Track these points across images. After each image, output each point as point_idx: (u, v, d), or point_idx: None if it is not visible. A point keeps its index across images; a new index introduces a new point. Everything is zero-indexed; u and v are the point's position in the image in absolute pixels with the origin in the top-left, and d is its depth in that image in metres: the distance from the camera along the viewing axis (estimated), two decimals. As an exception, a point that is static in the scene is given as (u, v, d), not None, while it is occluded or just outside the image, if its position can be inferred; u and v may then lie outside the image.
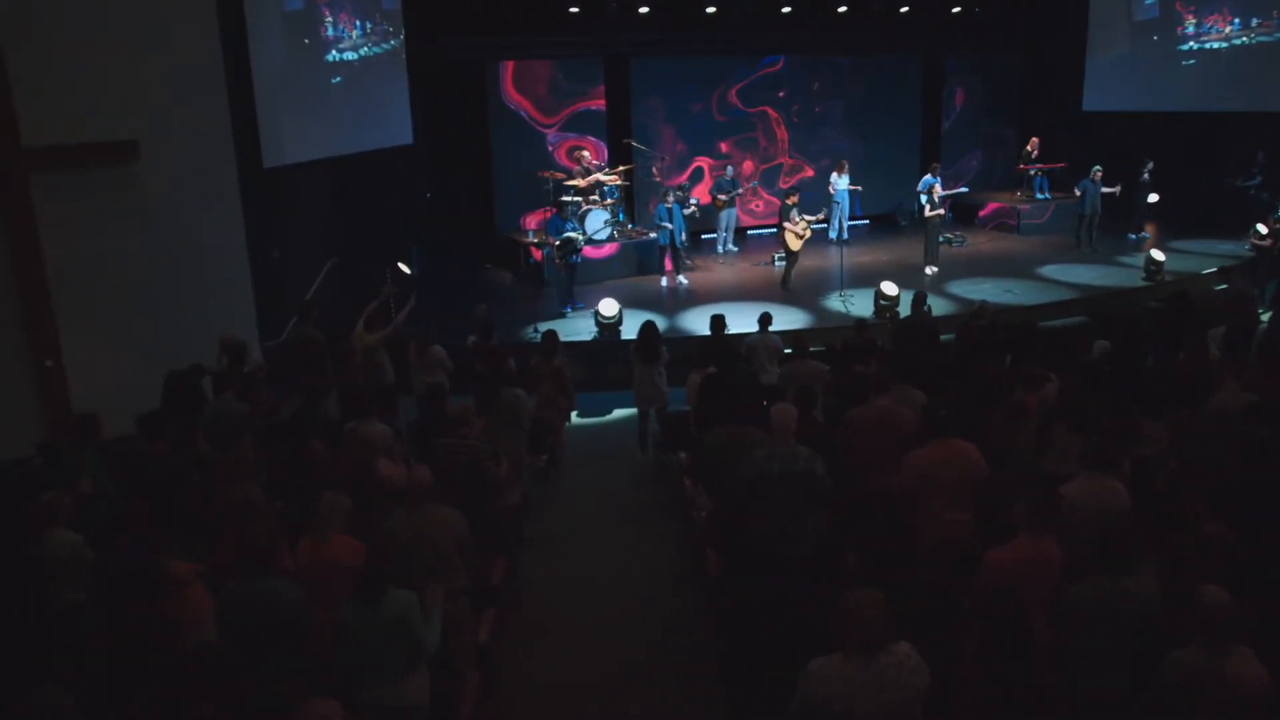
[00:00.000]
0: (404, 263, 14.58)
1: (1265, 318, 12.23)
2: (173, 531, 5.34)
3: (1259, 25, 17.44)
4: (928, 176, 15.46)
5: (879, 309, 12.74)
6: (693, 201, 15.89)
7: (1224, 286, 11.62)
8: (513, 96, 17.68)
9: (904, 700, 3.63)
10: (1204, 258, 15.74)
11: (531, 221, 17.12)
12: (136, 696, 4.47)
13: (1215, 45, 18.25)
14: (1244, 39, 17.75)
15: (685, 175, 18.51)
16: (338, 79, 13.98)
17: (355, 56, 14.43)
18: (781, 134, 19.75)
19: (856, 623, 3.62)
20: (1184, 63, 18.83)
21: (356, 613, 4.32)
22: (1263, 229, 14.98)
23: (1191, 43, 18.66)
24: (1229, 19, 17.90)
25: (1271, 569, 4.47)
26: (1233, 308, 10.62)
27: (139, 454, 6.57)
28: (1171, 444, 6.38)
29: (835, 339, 10.04)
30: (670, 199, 14.69)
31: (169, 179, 9.90)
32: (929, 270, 15.21)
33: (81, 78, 9.09)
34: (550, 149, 17.95)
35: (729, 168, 16.85)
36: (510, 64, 17.51)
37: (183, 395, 7.93)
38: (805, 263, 15.77)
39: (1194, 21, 18.57)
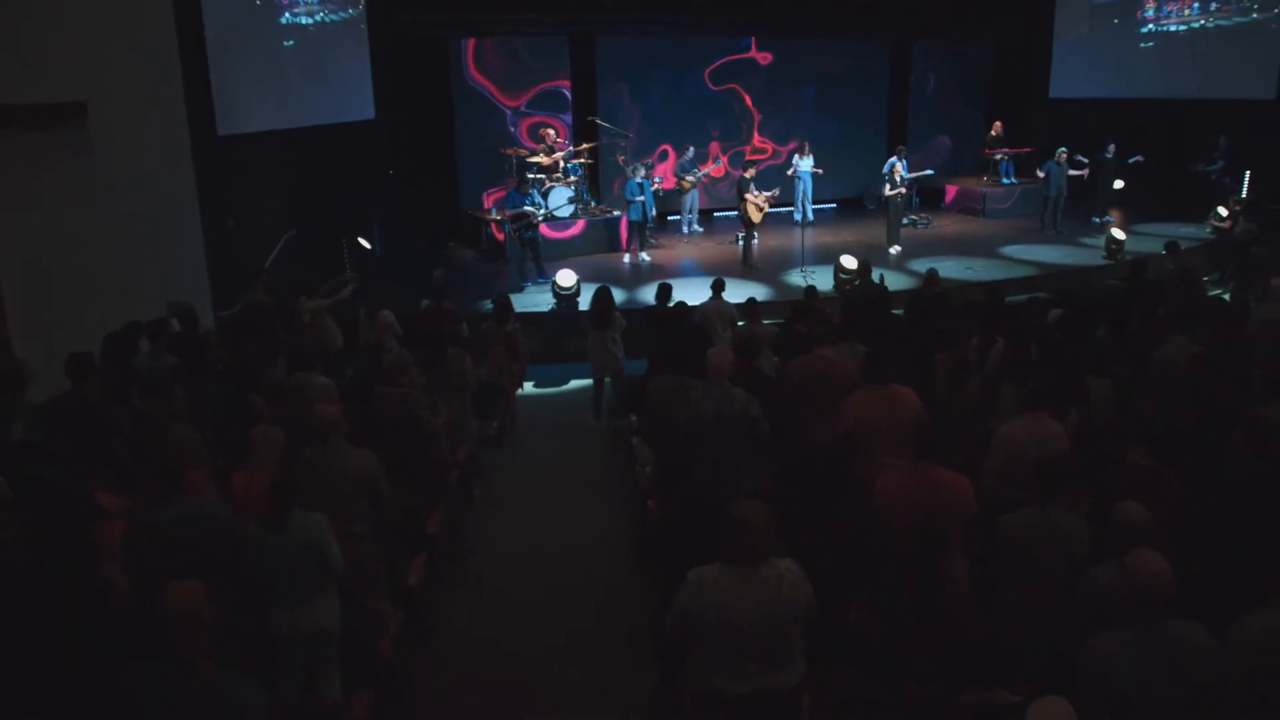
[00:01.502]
0: (365, 238, 14.51)
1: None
2: (101, 469, 5.23)
3: (1218, 9, 17.58)
4: (892, 159, 15.47)
5: (839, 282, 12.71)
6: (656, 179, 15.83)
7: (1170, 264, 11.64)
8: (475, 76, 17.55)
9: (783, 613, 3.57)
10: (1165, 240, 15.75)
11: (493, 200, 17.01)
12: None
13: (1175, 29, 18.37)
14: (1203, 23, 17.87)
15: (654, 157, 18.43)
16: (290, 42, 13.77)
17: (310, 21, 14.22)
18: (750, 117, 19.69)
19: (740, 532, 3.55)
20: (1143, 45, 18.96)
21: (264, 534, 4.22)
22: (1223, 211, 15.12)
23: (1151, 25, 18.79)
24: (1188, 2, 18.02)
25: (1201, 500, 4.45)
26: (1181, 282, 10.69)
27: (70, 400, 6.44)
28: (1116, 396, 6.35)
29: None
30: (641, 174, 14.61)
31: (119, 142, 9.72)
32: (892, 250, 15.20)
33: (27, 37, 8.88)
34: (514, 127, 17.83)
35: (691, 149, 16.76)
36: (472, 42, 17.36)
37: (119, 352, 7.79)
38: (770, 242, 15.78)
39: (1154, 5, 18.69)
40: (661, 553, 4.67)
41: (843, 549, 4.74)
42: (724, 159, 18.76)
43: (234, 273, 11.79)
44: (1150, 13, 18.82)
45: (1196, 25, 18.01)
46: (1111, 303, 9.19)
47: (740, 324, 9.32)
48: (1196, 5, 17.91)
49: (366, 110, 15.69)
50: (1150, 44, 18.93)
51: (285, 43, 13.70)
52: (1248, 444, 4.90)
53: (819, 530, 4.81)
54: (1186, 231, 16.09)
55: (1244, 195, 16.32)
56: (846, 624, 4.47)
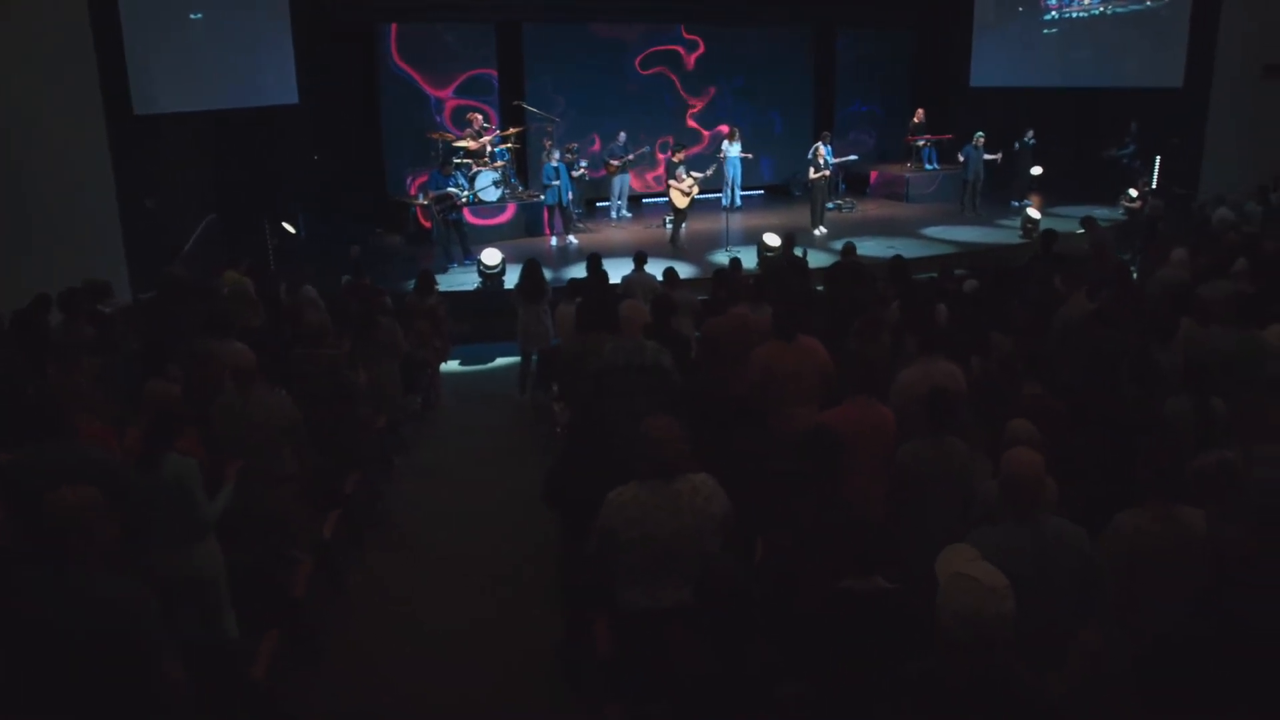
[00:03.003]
0: (289, 223, 14.39)
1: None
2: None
3: None
4: (817, 143, 15.74)
5: (762, 260, 12.89)
6: (581, 164, 15.88)
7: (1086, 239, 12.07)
8: (399, 63, 17.46)
9: (699, 525, 3.67)
10: (1078, 221, 16.25)
11: (417, 185, 16.96)
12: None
13: (1077, 15, 18.99)
14: (1102, 10, 18.49)
15: (583, 143, 18.48)
16: (206, 21, 13.59)
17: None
18: (679, 103, 19.84)
19: (652, 447, 3.64)
20: (1046, 32, 19.58)
21: (138, 475, 4.20)
22: (1134, 193, 15.66)
23: (1055, 13, 19.42)
24: None
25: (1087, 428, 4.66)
26: (1096, 253, 11.10)
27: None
28: (1017, 346, 6.58)
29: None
30: (556, 158, 14.66)
31: (31, 120, 9.55)
32: (817, 232, 15.45)
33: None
34: (441, 113, 17.77)
35: (621, 134, 16.85)
36: (395, 27, 17.27)
37: (27, 327, 7.66)
38: (697, 226, 15.91)
39: None
40: (564, 488, 4.72)
41: (755, 490, 4.86)
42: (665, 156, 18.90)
43: (153, 253, 11.63)
44: (1053, 0, 19.39)
45: (1096, 12, 18.62)
46: (1020, 271, 9.53)
47: (661, 293, 9.43)
48: None
49: (290, 94, 15.54)
50: (1054, 30, 19.52)
51: (203, 23, 13.53)
52: (1133, 378, 5.14)
53: (734, 476, 4.92)
54: (1100, 213, 16.47)
55: (1154, 178, 16.91)
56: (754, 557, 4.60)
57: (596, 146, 18.13)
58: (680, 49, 19.69)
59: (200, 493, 4.29)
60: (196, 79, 13.28)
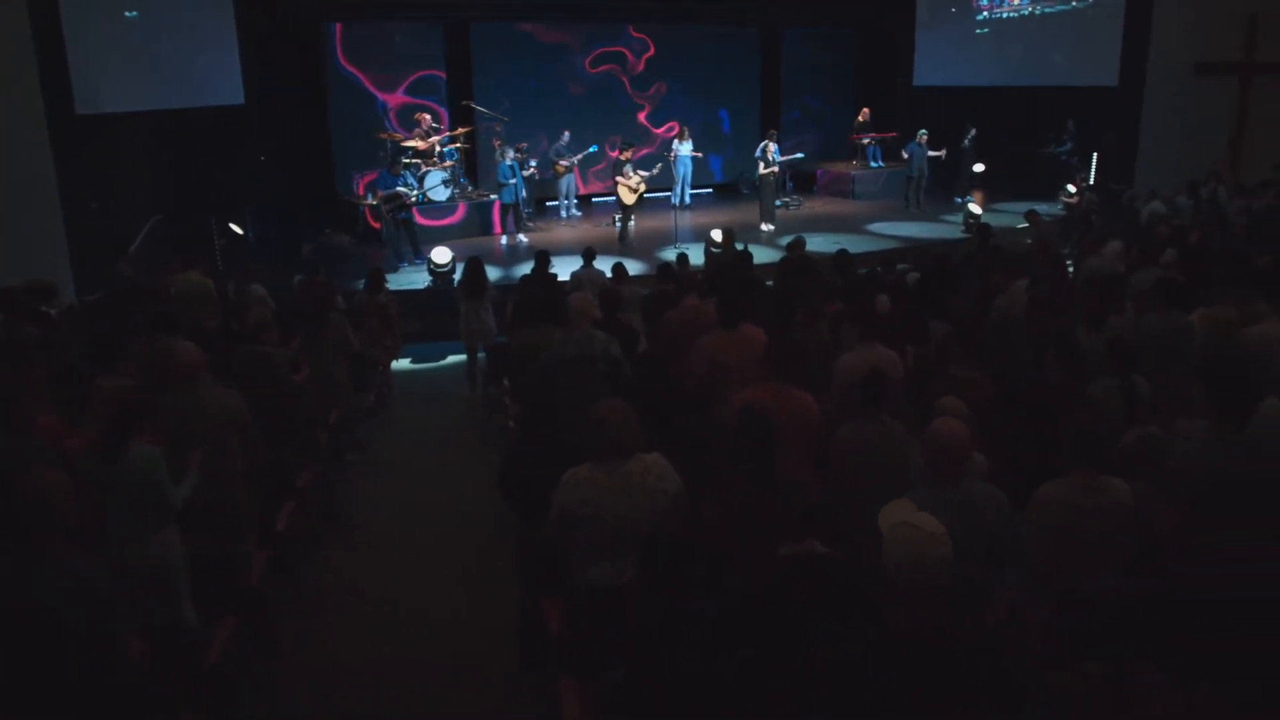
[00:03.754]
0: (236, 224, 14.30)
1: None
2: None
3: None
4: (765, 141, 15.96)
5: (709, 256, 13.04)
6: (531, 163, 15.96)
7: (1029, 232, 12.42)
8: (345, 64, 17.41)
9: (651, 504, 3.79)
10: (1020, 216, 16.61)
11: (364, 183, 16.93)
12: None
13: (1008, 15, 19.53)
14: (1031, 10, 19.01)
15: (532, 143, 18.52)
16: (133, 13, 13.47)
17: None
18: (628, 102, 19.98)
19: (605, 429, 3.75)
20: (978, 32, 20.10)
21: (100, 465, 4.22)
22: (1072, 189, 16.05)
23: (986, 13, 19.95)
24: None
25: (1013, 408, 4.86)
26: (1038, 247, 11.44)
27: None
28: (954, 334, 6.79)
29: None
30: (511, 156, 14.73)
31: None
32: (765, 228, 15.66)
33: None
34: (389, 113, 17.75)
35: (566, 134, 16.93)
36: (340, 27, 17.21)
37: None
38: (646, 223, 16.05)
39: None
40: (518, 476, 4.83)
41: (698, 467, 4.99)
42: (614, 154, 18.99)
43: (98, 253, 11.53)
44: (985, 1, 19.88)
45: (1025, 13, 19.15)
46: (960, 263, 9.79)
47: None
48: None
49: (236, 94, 15.44)
50: (986, 30, 19.97)
51: (145, 22, 13.42)
52: (1059, 360, 5.36)
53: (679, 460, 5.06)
54: (1042, 208, 16.90)
55: (1091, 174, 17.37)
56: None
57: (545, 146, 18.19)
58: (629, 49, 19.82)
59: (167, 479, 4.34)
60: (140, 79, 13.18)
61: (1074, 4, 18.30)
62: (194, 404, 5.11)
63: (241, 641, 4.65)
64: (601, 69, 19.63)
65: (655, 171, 15.42)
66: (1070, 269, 10.55)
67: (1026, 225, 15.15)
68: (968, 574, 3.40)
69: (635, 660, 3.23)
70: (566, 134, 16.87)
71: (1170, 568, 3.87)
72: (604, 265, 10.15)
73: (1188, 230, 10.69)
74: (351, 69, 17.46)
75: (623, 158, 14.66)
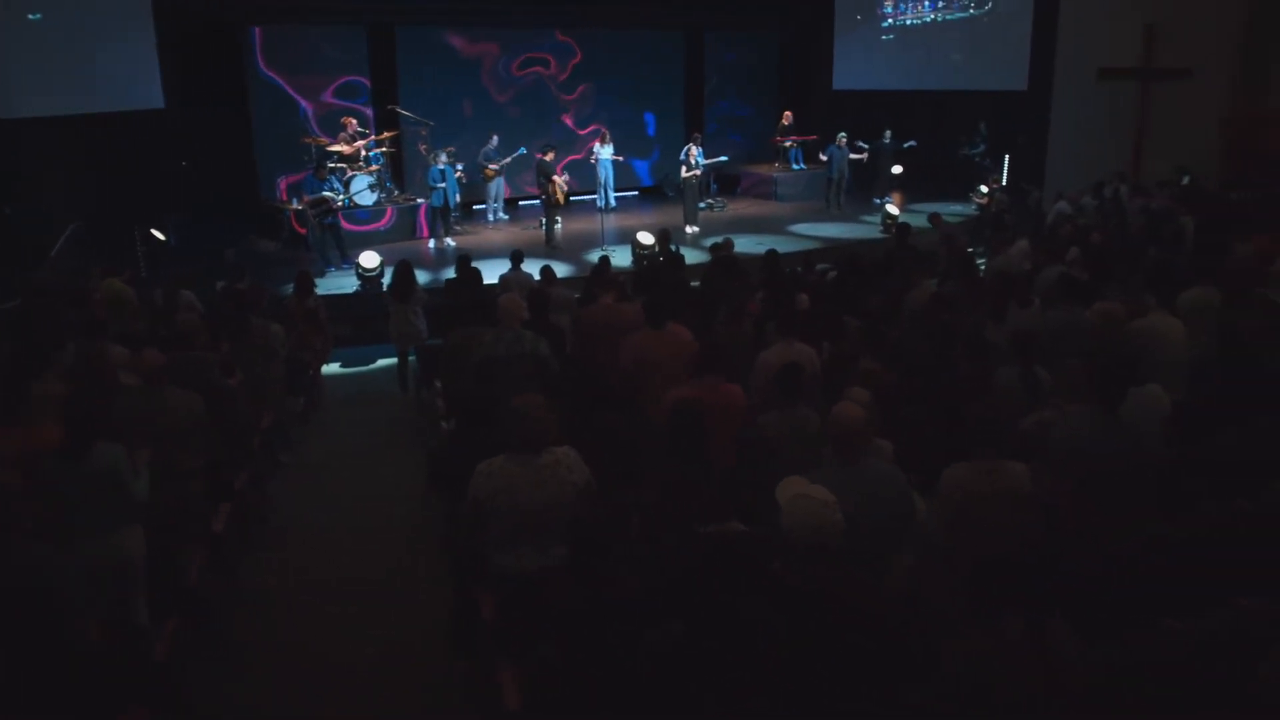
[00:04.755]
0: (158, 229, 14.14)
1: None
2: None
3: (944, 6, 19.62)
4: (688, 144, 16.27)
5: (637, 258, 13.29)
6: (459, 167, 16.05)
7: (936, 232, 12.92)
8: (265, 67, 17.29)
9: (562, 495, 4.01)
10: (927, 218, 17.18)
11: (287, 184, 16.88)
12: None
13: (911, 23, 20.23)
14: (934, 17, 19.76)
15: (460, 147, 18.56)
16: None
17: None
18: (552, 106, 20.13)
19: (519, 422, 3.96)
20: (884, 39, 20.71)
21: (60, 466, 4.31)
22: (984, 189, 16.64)
23: (890, 20, 20.61)
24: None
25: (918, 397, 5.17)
26: (945, 245, 11.92)
27: None
28: (867, 329, 7.12)
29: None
30: (443, 160, 14.82)
31: None
32: (689, 230, 15.95)
33: None
34: (314, 117, 17.66)
35: (494, 137, 17.05)
36: (260, 31, 17.09)
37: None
38: (572, 226, 16.26)
39: (891, 3, 20.57)
40: (449, 470, 5.01)
41: (624, 466, 5.21)
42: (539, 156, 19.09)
43: (13, 261, 11.37)
44: (889, 9, 20.52)
45: (929, 20, 19.83)
46: (878, 262, 10.18)
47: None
48: (928, 3, 19.75)
49: (155, 98, 15.27)
50: (891, 37, 20.63)
51: (61, 26, 13.22)
52: (966, 352, 5.69)
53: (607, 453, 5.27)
54: (956, 209, 17.56)
55: (1004, 175, 18.01)
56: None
57: (473, 150, 18.24)
58: (555, 53, 19.99)
59: (129, 475, 4.46)
60: (56, 83, 13.00)
61: (972, 11, 19.07)
62: (160, 404, 5.22)
63: (185, 639, 4.75)
64: (528, 73, 19.76)
65: (568, 178, 15.68)
66: (982, 266, 11.02)
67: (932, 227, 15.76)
68: (867, 545, 3.72)
69: (565, 640, 3.44)
70: (495, 138, 16.99)
71: (1058, 536, 4.21)
72: (532, 268, 10.33)
73: (1091, 229, 11.21)
74: (273, 73, 17.34)
75: (547, 159, 14.85)
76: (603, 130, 17.75)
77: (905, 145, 18.70)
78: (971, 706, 2.99)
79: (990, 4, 18.82)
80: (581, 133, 20.20)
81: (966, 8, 19.19)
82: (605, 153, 17.42)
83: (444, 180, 14.74)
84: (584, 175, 18.38)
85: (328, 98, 17.83)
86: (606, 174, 17.45)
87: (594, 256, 14.16)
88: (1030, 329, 6.08)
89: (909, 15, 20.29)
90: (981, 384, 5.41)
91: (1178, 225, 11.13)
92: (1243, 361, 6.61)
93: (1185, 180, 14.01)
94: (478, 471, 4.03)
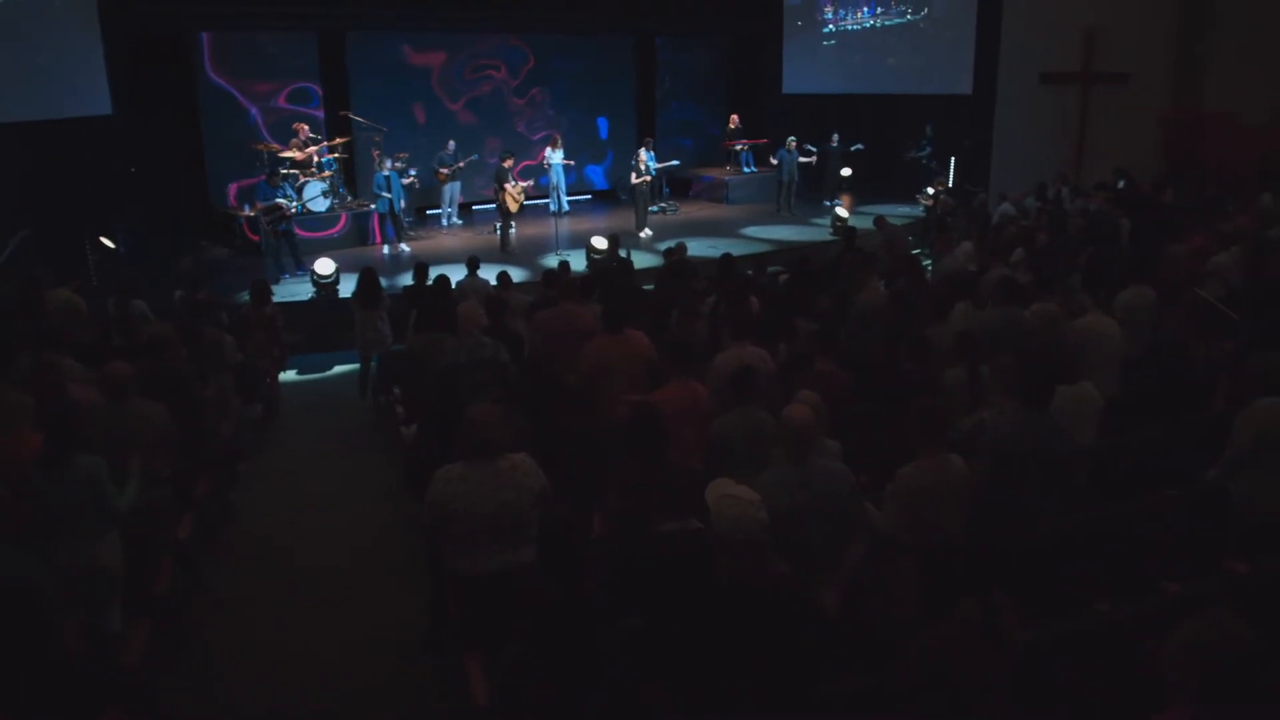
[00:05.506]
0: (107, 237, 14.05)
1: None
2: None
3: (883, 12, 20.06)
4: (640, 149, 16.45)
5: (591, 263, 13.45)
6: (411, 172, 16.09)
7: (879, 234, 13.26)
8: (216, 72, 17.21)
9: (518, 500, 4.17)
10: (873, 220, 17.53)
11: (236, 188, 16.82)
12: None
13: (852, 28, 20.71)
14: (873, 23, 20.24)
15: (413, 152, 18.58)
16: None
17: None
18: (505, 111, 20.21)
19: (476, 430, 4.10)
20: (825, 44, 21.19)
21: (43, 476, 4.36)
22: (930, 191, 17.00)
23: (832, 26, 21.03)
24: (861, 6, 20.45)
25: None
26: (888, 246, 12.26)
27: None
28: (818, 330, 7.33)
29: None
30: (388, 166, 14.86)
31: None
32: (642, 234, 16.13)
33: None
34: (265, 123, 17.59)
35: (450, 142, 17.11)
36: (208, 37, 17.01)
37: None
38: (526, 230, 16.37)
39: (832, 9, 21.02)
40: (423, 475, 5.13)
41: (586, 469, 5.36)
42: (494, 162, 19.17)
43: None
44: (830, 14, 20.99)
45: (868, 25, 20.29)
46: (828, 264, 10.43)
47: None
48: (867, 9, 20.21)
49: (103, 105, 15.13)
50: (833, 43, 21.09)
51: (4, 32, 13.08)
52: (910, 352, 5.92)
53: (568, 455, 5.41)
54: (903, 210, 17.94)
55: (950, 178, 18.39)
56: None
57: (425, 155, 18.29)
58: (507, 58, 20.06)
59: (110, 487, 4.52)
60: (1, 90, 12.84)
61: (910, 17, 19.58)
62: (128, 415, 5.33)
63: (155, 643, 4.82)
64: (481, 77, 19.82)
65: (529, 184, 15.80)
66: (928, 267, 11.32)
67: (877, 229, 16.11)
68: (816, 539, 3.97)
69: (532, 636, 3.58)
70: (451, 143, 17.02)
71: (990, 527, 4.45)
72: (488, 273, 10.45)
73: (1037, 231, 11.54)
74: (222, 79, 17.25)
75: (504, 165, 14.95)
76: (555, 135, 17.87)
77: (853, 148, 19.04)
78: (929, 690, 3.18)
79: (927, 9, 19.28)
80: (534, 138, 20.30)
81: (904, 14, 19.68)
82: (556, 157, 17.49)
83: (388, 188, 14.78)
84: (537, 180, 18.45)
85: (278, 103, 17.76)
86: (559, 178, 17.55)
87: (548, 261, 14.32)
88: (971, 330, 6.32)
89: (849, 21, 20.71)
90: (928, 384, 5.63)
91: (1115, 226, 11.49)
92: (1175, 358, 6.94)
93: (1121, 185, 14.43)
94: (436, 477, 4.17)
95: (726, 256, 10.07)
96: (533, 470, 4.22)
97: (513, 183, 14.90)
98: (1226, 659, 2.44)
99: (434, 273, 10.21)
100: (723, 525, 3.15)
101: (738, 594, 3.08)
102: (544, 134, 19.60)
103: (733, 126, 20.18)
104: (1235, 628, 2.48)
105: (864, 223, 16.74)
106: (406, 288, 10.18)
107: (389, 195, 14.78)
